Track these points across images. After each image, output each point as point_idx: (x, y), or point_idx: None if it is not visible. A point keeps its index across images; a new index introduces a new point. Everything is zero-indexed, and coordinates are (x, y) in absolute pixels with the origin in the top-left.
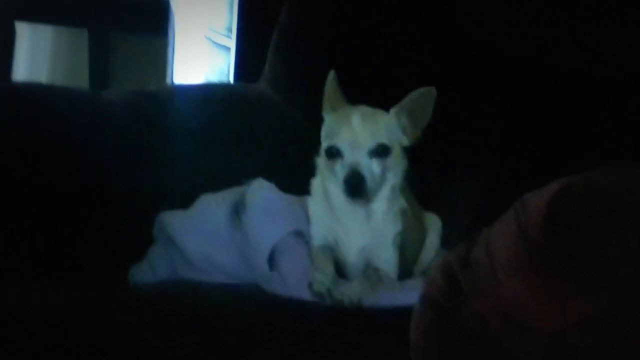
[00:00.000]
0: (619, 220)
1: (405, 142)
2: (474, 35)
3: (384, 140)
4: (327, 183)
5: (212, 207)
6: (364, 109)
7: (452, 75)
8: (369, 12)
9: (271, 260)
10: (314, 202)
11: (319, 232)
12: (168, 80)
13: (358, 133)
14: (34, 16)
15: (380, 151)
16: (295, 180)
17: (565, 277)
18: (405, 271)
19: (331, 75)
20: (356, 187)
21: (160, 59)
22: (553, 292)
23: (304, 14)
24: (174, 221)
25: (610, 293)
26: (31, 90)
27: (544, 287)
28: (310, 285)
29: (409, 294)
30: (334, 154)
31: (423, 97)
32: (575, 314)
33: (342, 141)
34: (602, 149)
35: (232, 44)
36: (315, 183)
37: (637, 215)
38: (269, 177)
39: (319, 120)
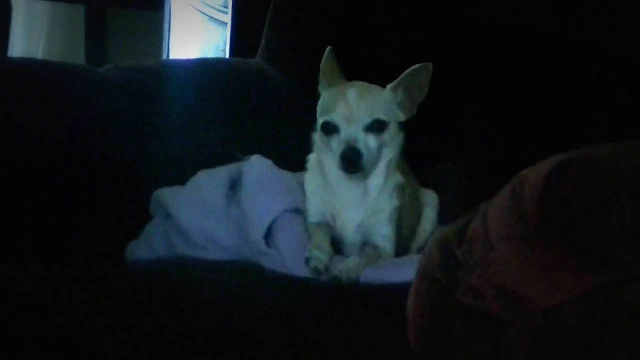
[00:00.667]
0: (615, 193)
1: (402, 117)
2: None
3: (381, 115)
4: (323, 159)
5: (210, 183)
6: (361, 84)
7: (449, 51)
8: None
9: (268, 236)
10: (311, 179)
11: (315, 209)
12: (164, 56)
13: (354, 108)
14: None
15: (377, 127)
16: (292, 155)
17: (560, 250)
18: (402, 247)
19: (328, 51)
20: (353, 162)
21: (156, 35)
22: (548, 264)
23: None
24: (172, 197)
25: (605, 266)
26: (27, 65)
27: (539, 259)
28: (307, 261)
29: (407, 270)
30: (330, 129)
31: (419, 73)
32: (571, 288)
33: (338, 117)
34: (601, 124)
35: (228, 19)
36: (312, 159)
37: (633, 188)
38: (265, 153)
39: (316, 96)
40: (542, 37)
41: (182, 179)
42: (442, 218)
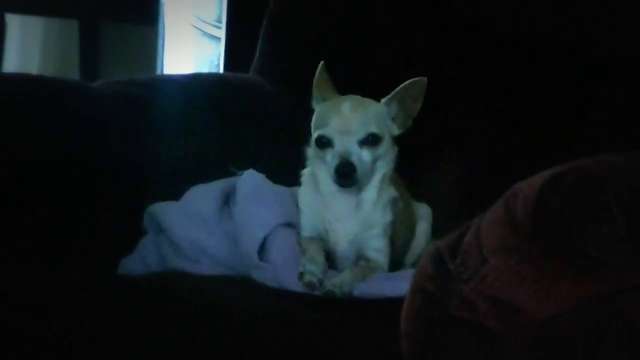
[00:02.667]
0: (607, 203)
1: (396, 131)
2: (466, 29)
3: (375, 129)
4: (317, 172)
5: (203, 197)
6: (355, 98)
7: (442, 64)
8: (359, 4)
9: (261, 250)
10: (304, 193)
11: (309, 223)
12: (158, 71)
13: (348, 122)
14: (25, 8)
15: (371, 140)
16: (286, 169)
17: (553, 261)
18: (396, 261)
19: (321, 66)
20: (347, 175)
21: (150, 50)
22: (542, 276)
23: (293, 2)
24: (165, 212)
25: (599, 277)
26: (21, 79)
27: (533, 271)
28: (300, 275)
29: (400, 284)
30: (324, 143)
31: (414, 87)
32: (565, 299)
33: (332, 130)
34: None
35: (221, 34)
36: (306, 173)
37: (624, 198)
38: (258, 167)
39: (309, 109)
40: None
41: (175, 192)
42: (436, 231)
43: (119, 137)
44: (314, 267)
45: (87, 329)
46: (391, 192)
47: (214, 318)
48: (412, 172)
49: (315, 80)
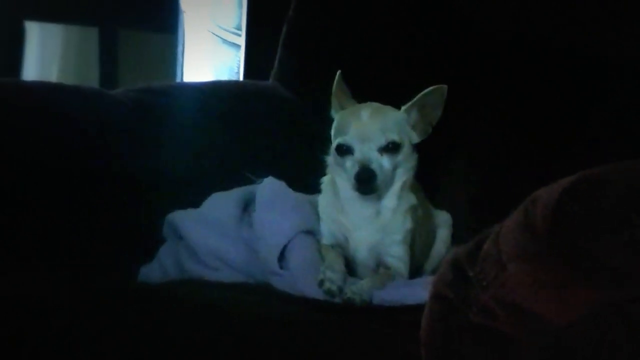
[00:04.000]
0: (626, 211)
1: (415, 138)
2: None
3: (395, 137)
4: (337, 180)
5: (222, 204)
6: (375, 105)
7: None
8: (378, 8)
9: (281, 258)
10: (324, 200)
11: (328, 230)
12: (177, 78)
13: (368, 129)
14: (44, 15)
15: (391, 148)
16: (305, 177)
17: (571, 268)
18: (415, 268)
19: (338, 75)
20: (367, 182)
21: (169, 57)
22: (560, 283)
23: (313, 9)
24: (184, 220)
25: (617, 284)
26: (41, 88)
27: (551, 278)
28: (320, 283)
29: (420, 292)
30: (344, 150)
31: (434, 94)
32: (583, 306)
33: (352, 137)
34: (607, 142)
35: (241, 41)
36: (325, 181)
37: None
38: (278, 174)
39: (329, 118)
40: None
41: (194, 200)
42: (455, 239)
43: (138, 146)
44: (334, 275)
45: (104, 336)
46: (411, 199)
47: (231, 326)
48: (432, 179)
49: (333, 89)
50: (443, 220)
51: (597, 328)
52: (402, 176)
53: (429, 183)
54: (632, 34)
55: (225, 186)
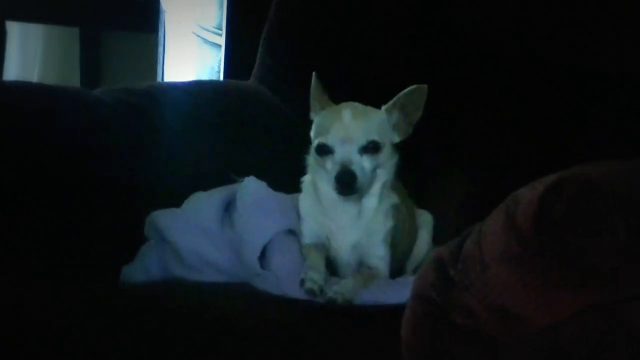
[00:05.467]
0: (609, 212)
1: (396, 138)
2: (466, 30)
3: (375, 137)
4: (317, 180)
5: (204, 205)
6: (355, 105)
7: (443, 71)
8: (359, 8)
9: (262, 258)
10: (305, 200)
11: (310, 230)
12: (159, 78)
13: (349, 129)
14: (25, 15)
15: (371, 148)
16: (286, 177)
17: (554, 269)
18: (397, 268)
19: (314, 77)
20: (347, 183)
21: (150, 57)
22: (543, 284)
23: (293, 10)
24: (166, 219)
25: (600, 285)
26: (21, 87)
27: (534, 279)
28: (302, 282)
29: (402, 291)
30: (325, 151)
31: (414, 94)
32: (566, 307)
33: (333, 138)
34: (593, 147)
35: (222, 41)
36: (306, 180)
37: (626, 207)
38: (259, 174)
39: (309, 118)
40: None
41: (176, 199)
42: (437, 238)
43: (119, 145)
44: (316, 275)
45: (87, 337)
46: (392, 199)
47: (214, 327)
48: (414, 178)
49: (311, 91)
50: (425, 220)
51: (583, 330)
52: (383, 176)
53: (414, 183)
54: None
55: (207, 185)
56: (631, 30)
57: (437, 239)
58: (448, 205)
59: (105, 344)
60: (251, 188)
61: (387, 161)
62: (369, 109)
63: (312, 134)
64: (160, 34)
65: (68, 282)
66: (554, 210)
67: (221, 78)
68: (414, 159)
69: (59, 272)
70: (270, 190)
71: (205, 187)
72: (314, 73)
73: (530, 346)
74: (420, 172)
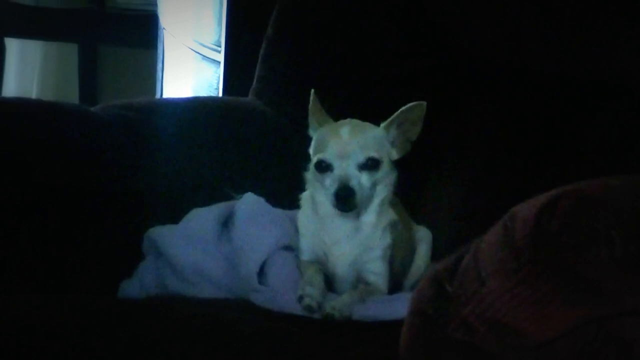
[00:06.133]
0: (605, 226)
1: (395, 155)
2: (462, 43)
3: (374, 153)
4: (316, 196)
5: (202, 220)
6: (354, 122)
7: (439, 86)
8: (357, 25)
9: (260, 273)
10: (303, 216)
11: (308, 246)
12: (157, 94)
13: (348, 146)
14: (23, 31)
15: (370, 164)
16: (284, 193)
17: (551, 284)
18: (395, 284)
19: (313, 94)
20: (346, 200)
21: (149, 73)
22: (540, 299)
23: (292, 27)
24: (164, 235)
25: (596, 300)
26: (20, 104)
27: (531, 294)
28: (300, 298)
29: (399, 307)
30: (323, 167)
31: (413, 111)
32: (562, 322)
33: (331, 154)
34: (589, 159)
35: (221, 57)
36: (305, 197)
37: (622, 221)
38: (257, 190)
39: (308, 135)
40: (537, 68)
41: (174, 216)
42: (435, 255)
43: (117, 161)
44: (313, 290)
45: (84, 351)
46: (390, 215)
47: (210, 341)
48: (412, 195)
49: (309, 107)
50: (423, 236)
51: (580, 344)
52: (382, 192)
53: (411, 198)
54: (626, 47)
55: (206, 202)
56: (627, 38)
57: (434, 254)
58: (445, 221)
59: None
60: (249, 204)
61: (386, 178)
62: (368, 125)
63: (311, 150)
64: (159, 50)
65: (61, 298)
66: (549, 226)
67: (220, 94)
68: (412, 176)
69: (56, 287)
70: (268, 206)
71: (204, 203)
72: (312, 90)
73: None
74: (417, 187)
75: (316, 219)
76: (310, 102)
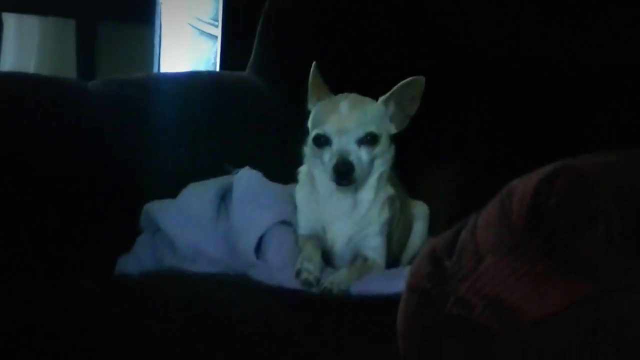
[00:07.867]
0: (603, 203)
1: (393, 130)
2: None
3: (373, 128)
4: (314, 171)
5: (199, 195)
6: (353, 96)
7: (440, 63)
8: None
9: (258, 248)
10: (301, 191)
11: (305, 221)
12: (155, 69)
13: (346, 121)
14: (21, 7)
15: (369, 139)
16: (282, 167)
17: (548, 260)
18: (393, 259)
19: (314, 67)
20: (345, 174)
21: (146, 48)
22: (537, 275)
23: (290, 1)
24: (161, 210)
25: (594, 277)
26: (17, 78)
27: (528, 270)
28: (297, 273)
29: (397, 282)
30: (322, 141)
31: (411, 86)
32: (560, 299)
33: (330, 129)
34: (589, 141)
35: (218, 32)
36: (302, 171)
37: (620, 198)
38: (255, 165)
39: (306, 109)
40: (537, 52)
41: (172, 190)
42: (432, 230)
43: (115, 136)
44: (311, 265)
45: (80, 332)
46: (388, 190)
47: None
48: (410, 170)
49: (309, 81)
50: (420, 212)
51: (578, 321)
52: (380, 168)
53: (409, 174)
54: (631, 36)
55: (202, 176)
56: (627, 38)
57: (432, 230)
58: (442, 196)
59: (94, 335)
60: (247, 179)
61: (384, 153)
62: (367, 100)
63: (309, 124)
64: (156, 25)
65: (60, 276)
66: (547, 202)
67: (217, 69)
68: (410, 151)
69: (52, 265)
70: (266, 181)
71: (201, 178)
72: (314, 63)
73: (524, 338)
74: (414, 163)
75: (314, 193)
76: (311, 75)
